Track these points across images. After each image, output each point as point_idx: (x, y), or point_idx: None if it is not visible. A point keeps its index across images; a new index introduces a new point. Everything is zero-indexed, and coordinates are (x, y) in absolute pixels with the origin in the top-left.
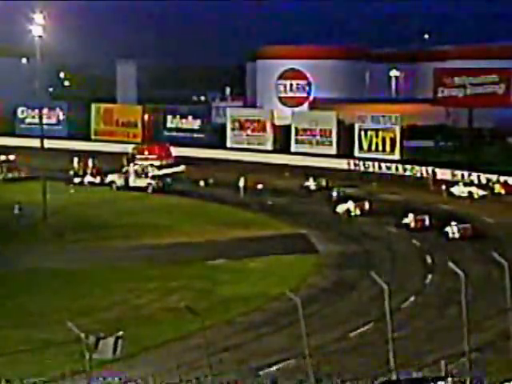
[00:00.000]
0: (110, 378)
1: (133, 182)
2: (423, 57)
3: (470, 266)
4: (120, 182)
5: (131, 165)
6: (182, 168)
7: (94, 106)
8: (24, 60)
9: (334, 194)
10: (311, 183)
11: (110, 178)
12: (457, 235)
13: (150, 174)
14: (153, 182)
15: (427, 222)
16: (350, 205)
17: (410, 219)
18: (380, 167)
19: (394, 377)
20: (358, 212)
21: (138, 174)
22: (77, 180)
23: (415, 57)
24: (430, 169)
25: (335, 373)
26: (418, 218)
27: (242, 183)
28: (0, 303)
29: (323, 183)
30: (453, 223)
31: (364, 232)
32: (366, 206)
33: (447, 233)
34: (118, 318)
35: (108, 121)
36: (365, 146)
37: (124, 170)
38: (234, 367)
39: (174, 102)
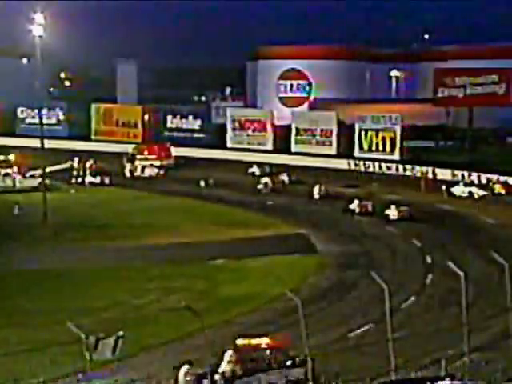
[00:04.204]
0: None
1: (19, 182)
2: (423, 57)
3: None
4: (5, 184)
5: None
6: (68, 165)
7: (93, 106)
8: (24, 60)
9: (285, 178)
10: (256, 170)
11: None
12: (396, 217)
13: (29, 174)
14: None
15: (370, 208)
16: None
17: (354, 205)
18: (380, 167)
19: (394, 377)
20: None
21: (23, 175)
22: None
23: (415, 57)
24: (424, 169)
25: (336, 373)
26: (361, 204)
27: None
28: (0, 303)
29: (267, 170)
30: (392, 206)
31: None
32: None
33: (388, 215)
34: (118, 318)
35: (108, 121)
36: (365, 146)
37: (3, 172)
38: None
39: (174, 102)
